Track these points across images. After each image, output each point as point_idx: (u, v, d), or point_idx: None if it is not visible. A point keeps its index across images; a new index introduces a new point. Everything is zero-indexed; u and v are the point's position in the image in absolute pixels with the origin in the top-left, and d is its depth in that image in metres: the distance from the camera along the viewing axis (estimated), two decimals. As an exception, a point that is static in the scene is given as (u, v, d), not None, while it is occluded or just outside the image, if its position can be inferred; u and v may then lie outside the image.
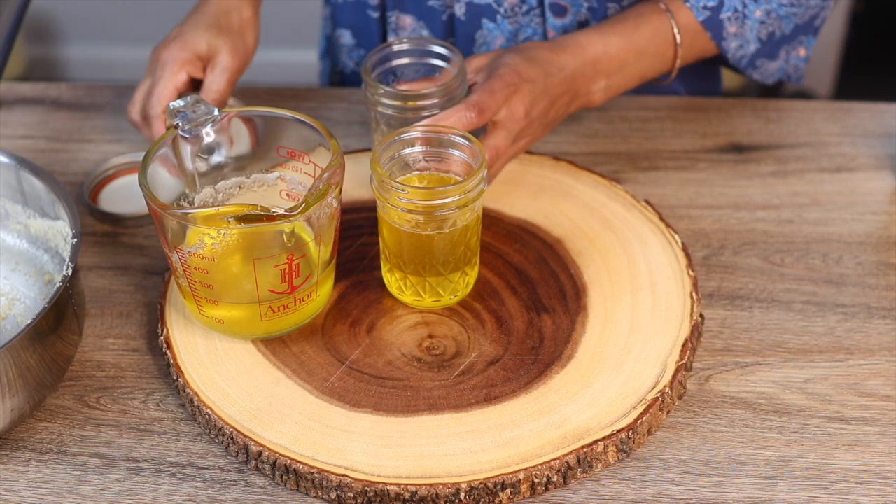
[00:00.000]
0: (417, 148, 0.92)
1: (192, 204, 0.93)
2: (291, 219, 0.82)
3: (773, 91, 2.41)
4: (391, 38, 1.22)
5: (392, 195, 0.88)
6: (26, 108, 1.22)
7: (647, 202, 1.04)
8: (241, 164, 0.95)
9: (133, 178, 1.11)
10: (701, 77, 1.25)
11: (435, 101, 0.98)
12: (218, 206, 0.92)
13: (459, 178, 0.91)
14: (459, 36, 1.20)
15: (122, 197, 1.09)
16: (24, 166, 0.95)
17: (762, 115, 1.17)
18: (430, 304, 0.94)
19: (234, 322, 0.90)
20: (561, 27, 1.17)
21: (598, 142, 1.15)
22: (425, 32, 1.21)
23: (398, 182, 0.88)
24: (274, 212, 0.82)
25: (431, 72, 1.04)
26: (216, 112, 0.91)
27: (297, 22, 2.44)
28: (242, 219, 0.83)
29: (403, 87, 1.03)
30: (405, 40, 1.04)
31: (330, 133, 0.89)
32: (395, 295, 0.95)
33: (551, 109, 1.01)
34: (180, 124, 0.90)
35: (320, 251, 0.88)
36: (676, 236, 1.00)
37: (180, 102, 0.91)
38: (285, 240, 0.86)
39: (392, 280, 0.94)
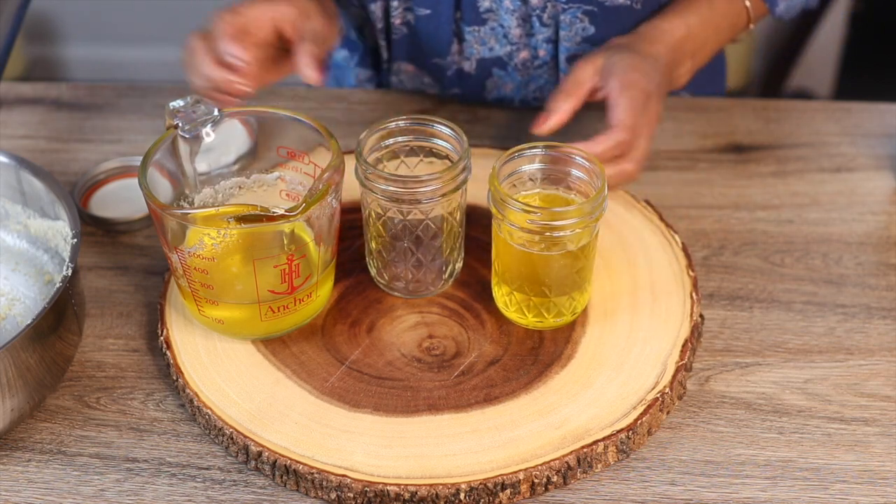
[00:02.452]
0: (537, 165, 0.90)
1: (192, 204, 0.93)
2: (291, 219, 0.82)
3: (774, 91, 2.41)
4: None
5: (509, 213, 0.86)
6: (26, 108, 1.21)
7: (647, 202, 1.04)
8: (241, 165, 0.95)
9: (123, 183, 1.10)
10: (710, 79, 1.24)
11: (434, 187, 0.88)
12: (218, 206, 0.92)
13: (573, 198, 0.90)
14: (468, 84, 1.18)
15: (112, 202, 1.08)
16: (24, 166, 0.95)
17: (762, 115, 1.17)
18: (532, 323, 0.92)
19: (234, 322, 0.90)
20: None
21: (598, 142, 1.15)
22: (426, 80, 1.19)
23: (517, 200, 0.85)
24: (274, 212, 0.82)
25: (431, 155, 0.94)
26: (216, 112, 0.91)
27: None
28: (242, 219, 0.83)
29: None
30: (403, 118, 0.92)
31: (330, 133, 0.89)
32: (499, 308, 0.93)
33: (661, 104, 0.99)
34: (180, 124, 0.90)
35: (320, 251, 0.88)
36: (676, 236, 1.00)
37: (180, 102, 0.90)
38: (285, 240, 0.86)
39: (499, 294, 0.93)
